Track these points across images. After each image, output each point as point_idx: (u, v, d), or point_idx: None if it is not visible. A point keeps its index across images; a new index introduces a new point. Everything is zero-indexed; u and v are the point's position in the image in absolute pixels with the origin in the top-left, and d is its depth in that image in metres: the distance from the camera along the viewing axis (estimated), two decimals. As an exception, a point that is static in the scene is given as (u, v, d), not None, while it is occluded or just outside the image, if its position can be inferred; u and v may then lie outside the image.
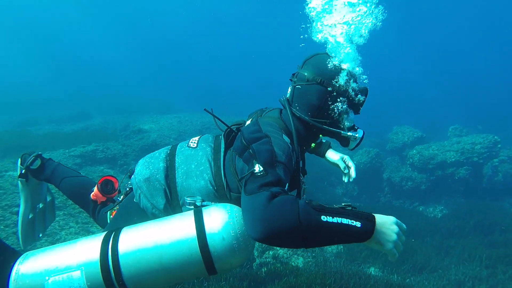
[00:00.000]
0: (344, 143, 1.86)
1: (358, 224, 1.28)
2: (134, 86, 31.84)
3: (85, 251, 1.42)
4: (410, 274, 5.94)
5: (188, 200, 1.59)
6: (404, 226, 1.40)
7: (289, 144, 1.59)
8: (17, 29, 46.65)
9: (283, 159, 1.46)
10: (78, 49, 49.66)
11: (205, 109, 1.75)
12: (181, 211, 1.64)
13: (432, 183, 10.53)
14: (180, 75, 42.94)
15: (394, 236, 1.32)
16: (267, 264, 5.86)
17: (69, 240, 1.56)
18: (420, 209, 10.04)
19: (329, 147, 2.19)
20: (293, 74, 1.83)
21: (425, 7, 43.20)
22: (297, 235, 1.26)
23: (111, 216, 1.89)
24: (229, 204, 1.55)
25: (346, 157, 2.12)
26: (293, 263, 5.90)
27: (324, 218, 1.27)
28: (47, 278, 1.36)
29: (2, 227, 5.04)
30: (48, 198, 2.54)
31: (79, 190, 2.27)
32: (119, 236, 1.44)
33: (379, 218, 1.35)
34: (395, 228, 1.34)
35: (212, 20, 51.23)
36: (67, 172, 2.34)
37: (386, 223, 1.34)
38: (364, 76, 1.84)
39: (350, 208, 1.36)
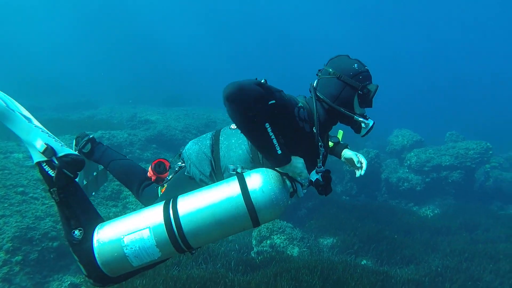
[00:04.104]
0: (356, 129, 2.15)
1: (279, 151, 1.74)
2: (144, 78, 31.66)
3: (150, 215, 1.75)
4: (397, 267, 6.29)
5: (231, 167, 1.94)
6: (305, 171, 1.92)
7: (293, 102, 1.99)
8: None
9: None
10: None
11: None
12: (223, 178, 1.98)
13: (427, 184, 10.88)
14: (188, 70, 42.95)
15: (300, 167, 1.86)
16: (264, 253, 6.18)
17: None
18: (415, 209, 10.34)
19: (346, 147, 2.54)
20: (319, 70, 2.20)
21: (430, 8, 43.24)
22: (246, 111, 1.63)
23: (161, 192, 2.28)
24: (264, 168, 1.87)
25: (360, 155, 2.51)
26: (288, 252, 6.21)
27: (267, 125, 1.69)
28: (122, 237, 1.70)
29: (6, 205, 5.18)
30: (100, 168, 2.94)
31: (125, 171, 2.67)
32: (177, 201, 1.77)
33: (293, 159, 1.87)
34: (300, 162, 1.87)
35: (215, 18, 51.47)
36: (115, 155, 2.72)
37: (296, 159, 1.87)
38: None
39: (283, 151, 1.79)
